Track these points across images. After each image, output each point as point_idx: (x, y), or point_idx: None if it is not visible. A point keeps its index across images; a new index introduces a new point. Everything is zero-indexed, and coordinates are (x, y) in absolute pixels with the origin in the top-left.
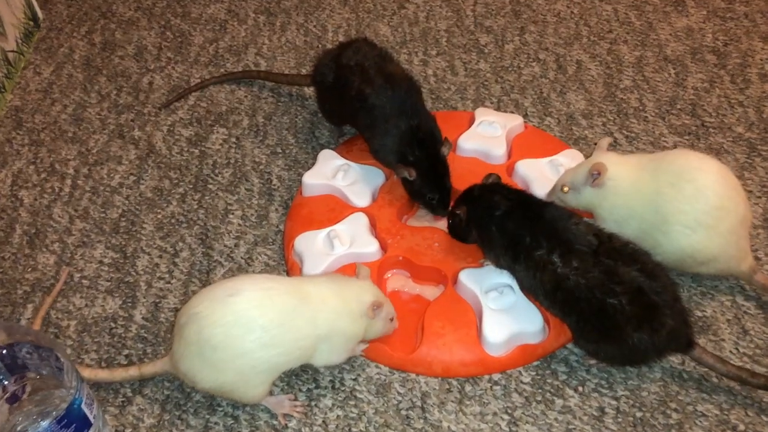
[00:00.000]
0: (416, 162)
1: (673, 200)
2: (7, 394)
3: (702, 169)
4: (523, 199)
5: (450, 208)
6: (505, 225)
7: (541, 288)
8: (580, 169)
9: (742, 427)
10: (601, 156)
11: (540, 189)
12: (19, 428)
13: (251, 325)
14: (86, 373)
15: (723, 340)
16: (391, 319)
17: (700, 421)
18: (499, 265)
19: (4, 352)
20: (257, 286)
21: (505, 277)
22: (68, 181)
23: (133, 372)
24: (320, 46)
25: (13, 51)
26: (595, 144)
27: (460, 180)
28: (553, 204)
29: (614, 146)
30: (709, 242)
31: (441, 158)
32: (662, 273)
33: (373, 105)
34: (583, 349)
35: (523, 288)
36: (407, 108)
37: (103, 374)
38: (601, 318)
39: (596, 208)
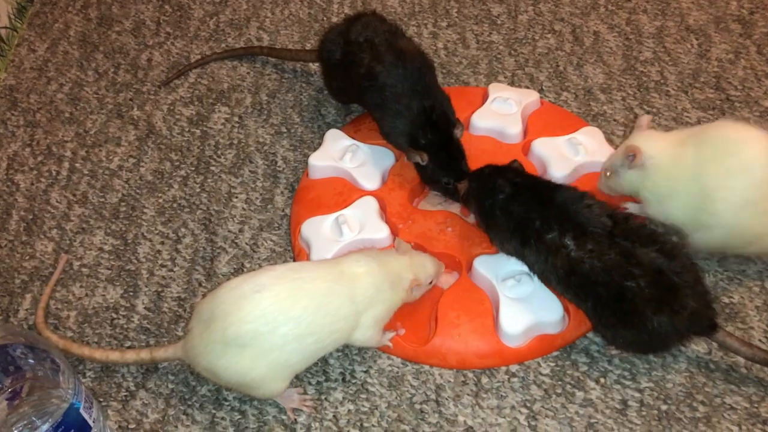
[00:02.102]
0: (429, 145)
1: (717, 176)
2: (5, 393)
3: (747, 140)
4: (531, 182)
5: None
6: (511, 208)
7: (554, 273)
8: (618, 153)
9: None
10: (639, 135)
11: (558, 169)
12: (15, 430)
13: (282, 319)
14: (98, 354)
15: (752, 327)
16: (431, 283)
17: (729, 414)
18: (506, 249)
19: None
20: (285, 277)
21: (522, 265)
22: (66, 164)
23: (144, 355)
24: (325, 19)
25: (5, 27)
26: (616, 121)
27: (474, 161)
28: (564, 186)
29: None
30: (758, 219)
31: (455, 141)
32: (681, 253)
33: (383, 84)
34: (602, 335)
35: (535, 273)
36: (420, 87)
37: (114, 356)
38: (619, 302)
39: (640, 191)
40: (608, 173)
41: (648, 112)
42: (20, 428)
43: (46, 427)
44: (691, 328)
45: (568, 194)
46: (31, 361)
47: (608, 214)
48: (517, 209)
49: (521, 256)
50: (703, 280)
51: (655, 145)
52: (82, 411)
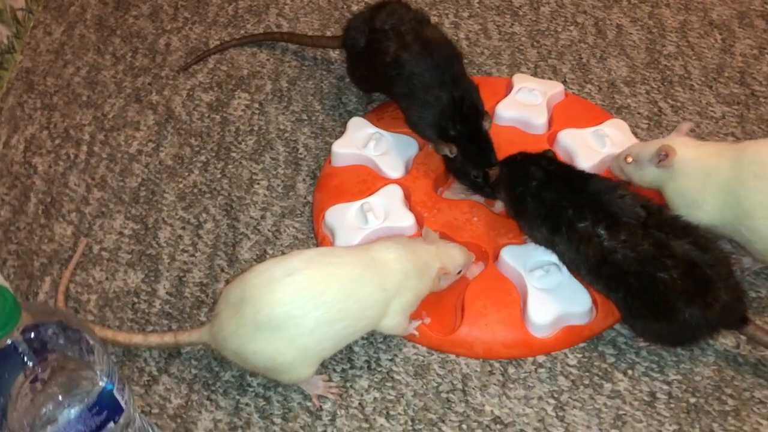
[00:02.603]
0: (458, 137)
1: (758, 192)
2: (31, 377)
3: None
4: (564, 170)
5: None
6: (543, 195)
7: (585, 262)
8: (649, 146)
9: None
10: (676, 138)
11: (584, 161)
12: (43, 410)
13: (313, 303)
14: (120, 337)
15: None
16: (459, 273)
17: (758, 408)
18: (535, 238)
19: (32, 334)
20: (316, 261)
21: (550, 255)
22: (84, 148)
23: (168, 339)
24: (345, 7)
25: (21, 9)
26: (640, 114)
27: (500, 151)
28: (597, 176)
29: (683, 126)
30: None
31: (484, 133)
32: (714, 246)
33: (411, 73)
34: (631, 327)
35: (564, 262)
36: (448, 77)
37: (137, 339)
38: (650, 293)
39: (662, 188)
40: (629, 159)
41: (672, 106)
42: (49, 409)
43: (79, 408)
44: (722, 322)
45: (602, 184)
46: (62, 341)
47: (642, 205)
48: (550, 197)
49: (551, 245)
50: (734, 273)
51: (689, 151)
52: (115, 393)
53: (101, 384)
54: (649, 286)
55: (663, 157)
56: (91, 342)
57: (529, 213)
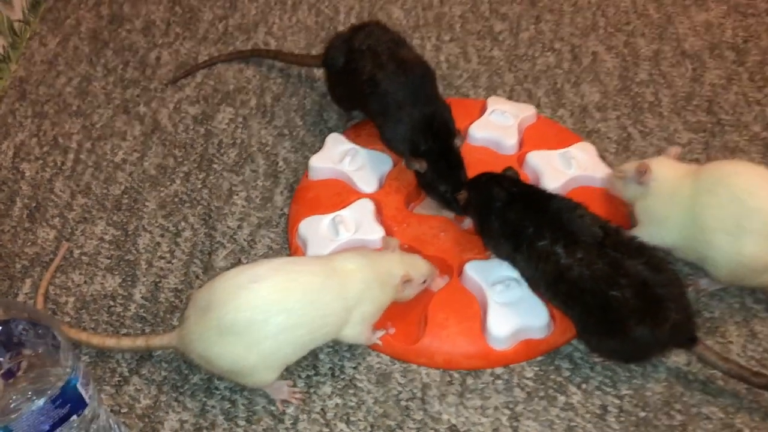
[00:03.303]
0: (428, 153)
1: (709, 206)
2: (2, 371)
3: (738, 173)
4: (526, 190)
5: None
6: (507, 215)
7: (543, 279)
8: (636, 164)
9: (747, 431)
10: (659, 159)
11: (551, 181)
12: (12, 405)
13: (276, 309)
14: (95, 340)
15: (731, 342)
16: (424, 283)
17: (704, 424)
18: (499, 254)
19: (0, 328)
20: (281, 270)
21: (511, 271)
22: (71, 156)
23: (140, 342)
24: (332, 27)
25: (19, 20)
26: (609, 138)
27: (471, 170)
28: (558, 196)
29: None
30: (756, 247)
31: (455, 150)
32: (667, 267)
33: (385, 91)
34: (586, 342)
35: (524, 278)
36: (421, 96)
37: (110, 341)
38: (604, 310)
39: (635, 204)
40: (620, 174)
41: (641, 132)
42: (18, 402)
43: (43, 400)
44: (671, 340)
45: (563, 204)
46: (33, 337)
47: (600, 225)
48: (512, 216)
49: (513, 261)
50: (686, 294)
51: (665, 171)
52: (79, 386)
53: (65, 378)
54: (603, 304)
55: (642, 174)
56: (59, 338)
57: (494, 231)
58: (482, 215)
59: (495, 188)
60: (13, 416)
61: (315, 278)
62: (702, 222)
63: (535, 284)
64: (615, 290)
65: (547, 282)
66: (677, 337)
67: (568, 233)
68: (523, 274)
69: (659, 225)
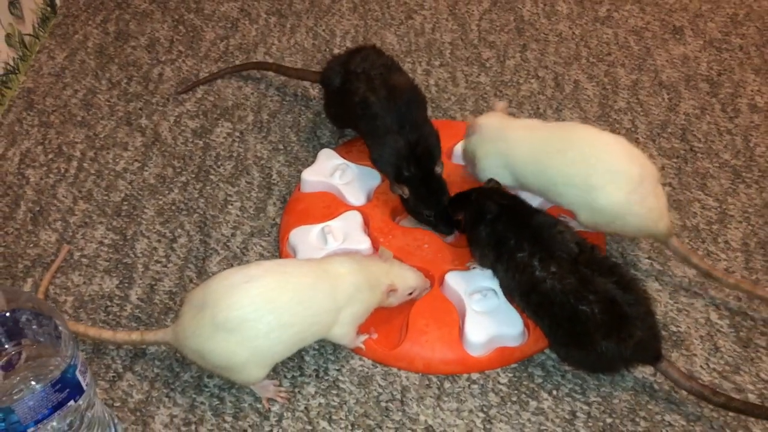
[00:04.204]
0: (411, 179)
1: (560, 164)
2: (3, 360)
3: (585, 138)
4: (513, 204)
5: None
6: (494, 227)
7: (517, 289)
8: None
9: None
10: (486, 113)
11: (529, 197)
12: (14, 391)
13: (268, 308)
14: (91, 332)
15: (695, 355)
16: (411, 294)
17: (667, 430)
18: (483, 263)
19: (7, 315)
20: (273, 270)
21: (489, 281)
22: (74, 163)
23: (135, 337)
24: (328, 49)
25: (29, 35)
26: None
27: (455, 187)
28: (542, 211)
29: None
30: (605, 200)
31: (435, 176)
32: (638, 287)
33: (374, 114)
34: (555, 352)
35: (501, 287)
36: (407, 122)
37: (107, 334)
38: (572, 323)
39: (474, 157)
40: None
41: None
42: (18, 389)
43: (43, 384)
44: (636, 356)
45: (544, 219)
46: (35, 327)
47: (577, 242)
48: (498, 228)
49: (494, 270)
50: (654, 313)
51: (490, 120)
52: (77, 374)
53: (65, 365)
54: (572, 317)
55: (472, 126)
56: (61, 328)
57: (481, 241)
58: (473, 225)
59: (488, 202)
60: (15, 398)
61: (306, 279)
62: (550, 177)
63: (509, 294)
64: (583, 305)
65: (521, 292)
66: (643, 353)
67: (546, 247)
68: (501, 284)
69: (482, 161)
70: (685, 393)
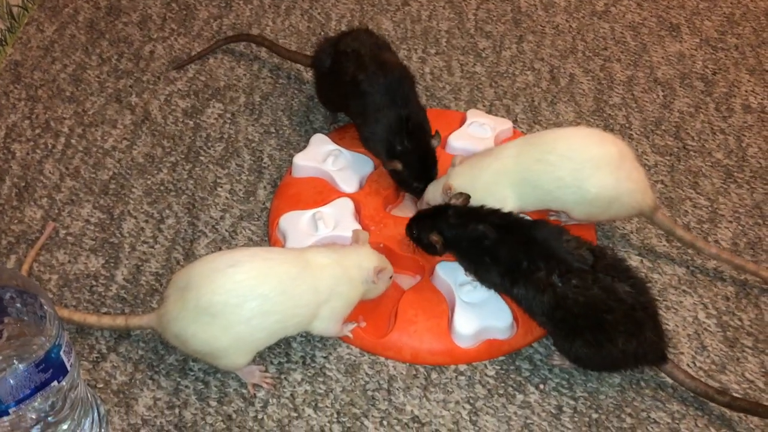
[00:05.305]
0: (404, 152)
1: (544, 172)
2: None
3: (558, 138)
4: (507, 222)
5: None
6: (498, 252)
7: (540, 308)
8: (436, 188)
9: None
10: (453, 173)
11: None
12: None
13: (251, 294)
14: (76, 316)
15: (682, 353)
16: (390, 278)
17: (652, 428)
18: (496, 289)
19: None
20: (258, 257)
21: None
22: (62, 140)
23: (119, 322)
24: (323, 33)
25: (17, 6)
26: None
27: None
28: (538, 222)
29: None
30: (595, 189)
31: (430, 149)
32: (648, 289)
33: (364, 92)
34: (558, 347)
35: (521, 306)
36: (398, 98)
37: (91, 319)
38: (594, 331)
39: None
40: (427, 204)
41: None
42: (0, 365)
43: (26, 363)
44: (646, 358)
45: (546, 230)
46: (19, 305)
47: (587, 248)
48: (503, 253)
49: (510, 294)
50: (659, 316)
51: (461, 179)
52: (62, 354)
53: (48, 345)
54: (595, 326)
55: (449, 193)
56: (46, 307)
57: (490, 271)
58: (467, 252)
59: (479, 225)
60: None
61: (291, 268)
62: (542, 185)
63: (531, 314)
64: (609, 314)
65: (543, 311)
66: (649, 355)
67: (562, 261)
68: (519, 304)
69: (503, 203)
70: (671, 390)
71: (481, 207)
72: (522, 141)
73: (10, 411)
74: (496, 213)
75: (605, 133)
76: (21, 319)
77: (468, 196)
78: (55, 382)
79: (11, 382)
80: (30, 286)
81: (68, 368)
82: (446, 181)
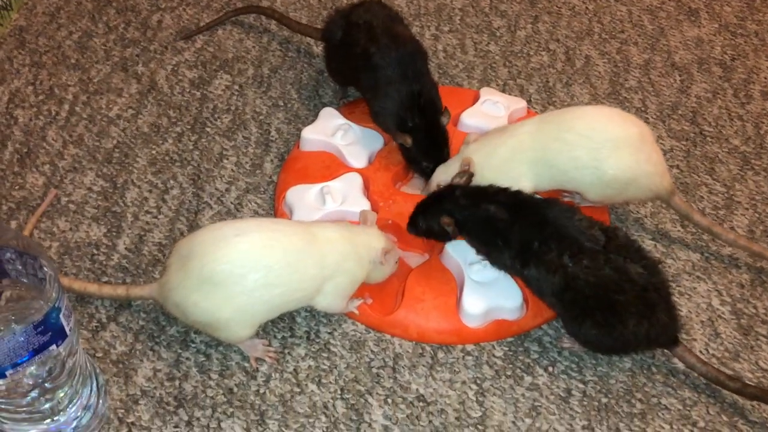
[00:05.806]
0: (414, 128)
1: (560, 151)
2: None
3: (577, 117)
4: (518, 200)
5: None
6: (511, 233)
7: (550, 289)
8: (450, 168)
9: (702, 423)
10: (466, 150)
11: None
12: None
13: (255, 265)
14: (76, 285)
15: (695, 339)
16: (395, 262)
17: (663, 414)
18: (507, 271)
19: None
20: (265, 227)
21: None
22: (66, 107)
23: (120, 291)
24: (334, 7)
25: None
26: None
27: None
28: (550, 200)
29: None
30: (612, 170)
31: (441, 126)
32: (661, 270)
33: (376, 65)
34: (567, 329)
35: (529, 287)
36: (410, 72)
37: (92, 288)
38: (605, 313)
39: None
40: (441, 185)
41: None
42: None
43: (24, 325)
44: (658, 340)
45: (558, 209)
46: (19, 266)
47: (599, 228)
48: (516, 235)
49: (520, 275)
50: (672, 297)
51: (479, 156)
52: (61, 317)
53: (48, 308)
54: (606, 307)
55: (467, 171)
56: (46, 269)
57: (503, 253)
58: (480, 234)
59: (491, 206)
60: None
61: (297, 241)
62: (558, 165)
63: (540, 294)
64: (620, 295)
65: (553, 292)
66: (661, 337)
67: (573, 241)
68: (528, 285)
69: (517, 182)
70: (683, 377)
71: (489, 186)
72: (540, 118)
73: (7, 374)
74: (505, 191)
75: (626, 113)
76: (20, 281)
77: (471, 174)
78: (54, 346)
79: (8, 344)
80: (31, 247)
81: (67, 332)
82: (464, 155)
